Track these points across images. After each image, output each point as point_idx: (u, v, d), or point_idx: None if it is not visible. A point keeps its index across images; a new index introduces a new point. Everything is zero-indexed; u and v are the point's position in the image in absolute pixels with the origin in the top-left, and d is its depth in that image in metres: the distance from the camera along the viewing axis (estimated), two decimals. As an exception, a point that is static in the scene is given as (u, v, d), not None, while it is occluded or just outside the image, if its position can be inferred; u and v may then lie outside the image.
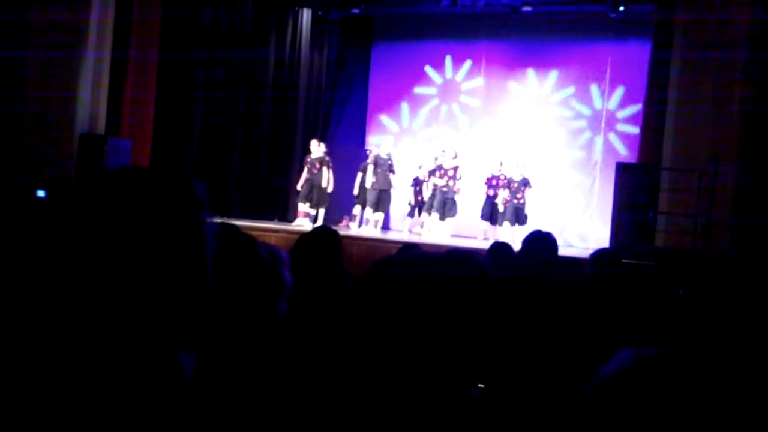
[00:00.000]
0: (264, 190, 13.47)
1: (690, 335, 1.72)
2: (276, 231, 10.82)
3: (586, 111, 13.28)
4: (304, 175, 12.09)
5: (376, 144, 12.93)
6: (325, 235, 3.34)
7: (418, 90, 14.44)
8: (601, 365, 1.03)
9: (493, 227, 12.04)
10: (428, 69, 14.34)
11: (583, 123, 13.30)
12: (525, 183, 11.76)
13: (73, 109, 10.33)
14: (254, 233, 1.62)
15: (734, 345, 1.60)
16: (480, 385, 1.71)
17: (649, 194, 9.39)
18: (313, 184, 11.97)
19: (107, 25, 10.75)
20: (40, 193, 9.41)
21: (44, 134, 10.06)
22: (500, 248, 4.38)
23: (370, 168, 11.97)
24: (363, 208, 12.12)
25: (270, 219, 12.97)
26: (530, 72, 13.60)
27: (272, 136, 13.64)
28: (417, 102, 14.49)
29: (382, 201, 11.98)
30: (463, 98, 14.16)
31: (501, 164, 12.20)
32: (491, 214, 12.01)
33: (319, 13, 13.92)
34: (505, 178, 11.93)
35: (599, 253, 4.09)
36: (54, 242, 0.77)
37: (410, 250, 3.53)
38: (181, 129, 12.67)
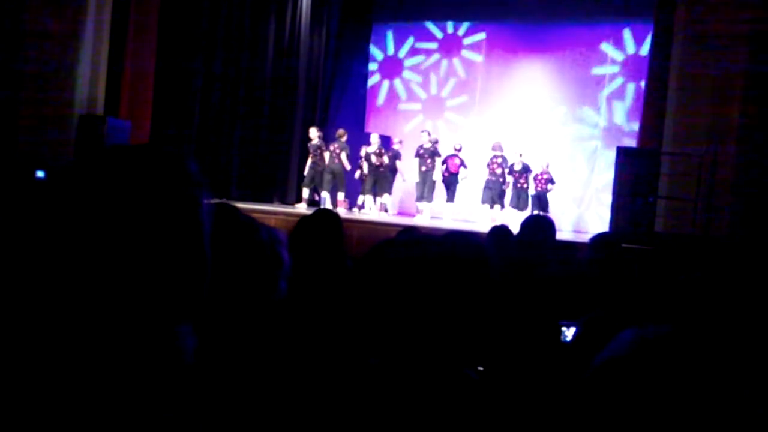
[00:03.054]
0: (264, 172, 13.45)
1: (691, 320, 1.71)
2: (275, 213, 10.82)
3: (587, 100, 13.26)
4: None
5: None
6: (326, 217, 3.34)
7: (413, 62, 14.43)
8: (601, 347, 1.03)
9: (496, 210, 12.17)
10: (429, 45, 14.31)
11: (583, 108, 13.28)
12: (526, 169, 12.16)
13: (72, 90, 10.28)
14: (254, 215, 1.61)
15: (735, 329, 1.59)
16: (479, 368, 1.71)
17: (649, 179, 9.37)
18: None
19: (106, 5, 10.68)
20: (40, 174, 9.39)
21: (43, 115, 10.02)
22: (500, 231, 4.38)
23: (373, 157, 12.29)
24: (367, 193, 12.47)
25: (270, 201, 12.96)
26: (532, 55, 13.56)
27: (272, 118, 13.60)
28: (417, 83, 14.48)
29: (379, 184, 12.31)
30: (462, 81, 14.13)
31: (521, 155, 12.27)
32: (492, 198, 12.23)
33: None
34: (503, 161, 12.21)
35: (599, 237, 4.09)
36: (51, 220, 0.77)
37: (410, 232, 3.53)
38: (181, 110, 12.62)
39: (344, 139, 12.31)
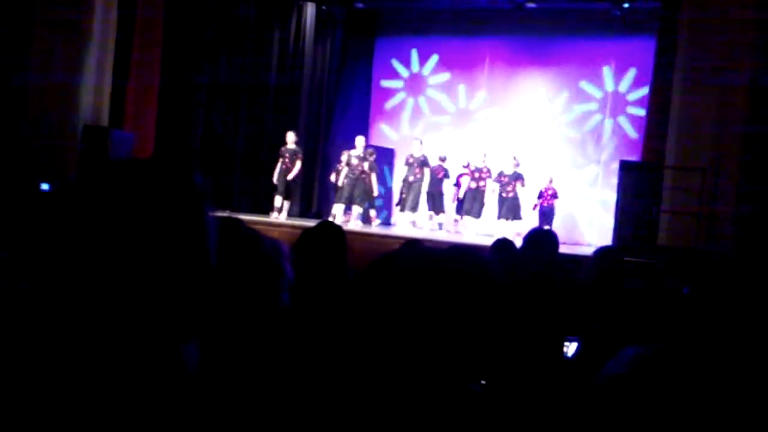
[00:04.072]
0: (267, 184, 13.45)
1: (693, 334, 1.71)
2: (279, 225, 10.83)
3: (591, 106, 13.28)
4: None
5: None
6: (330, 230, 3.34)
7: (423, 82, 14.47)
8: (604, 363, 1.02)
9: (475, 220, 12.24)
10: (436, 62, 14.38)
11: (587, 120, 13.30)
12: (517, 177, 11.96)
13: (76, 101, 10.32)
14: (257, 227, 1.62)
15: (737, 344, 1.59)
16: (482, 381, 1.71)
17: (652, 193, 9.38)
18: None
19: (111, 17, 10.74)
20: (44, 186, 9.40)
21: (47, 126, 10.05)
22: (503, 244, 4.38)
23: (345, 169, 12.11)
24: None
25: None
26: (533, 69, 13.59)
27: (275, 131, 13.62)
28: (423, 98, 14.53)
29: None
30: (468, 94, 14.16)
31: (485, 156, 12.44)
32: (471, 208, 12.27)
33: (323, 7, 13.91)
34: (488, 170, 12.25)
35: (602, 251, 4.09)
36: (59, 233, 0.77)
37: (413, 245, 3.53)
38: (184, 122, 12.66)
39: (374, 158, 12.30)
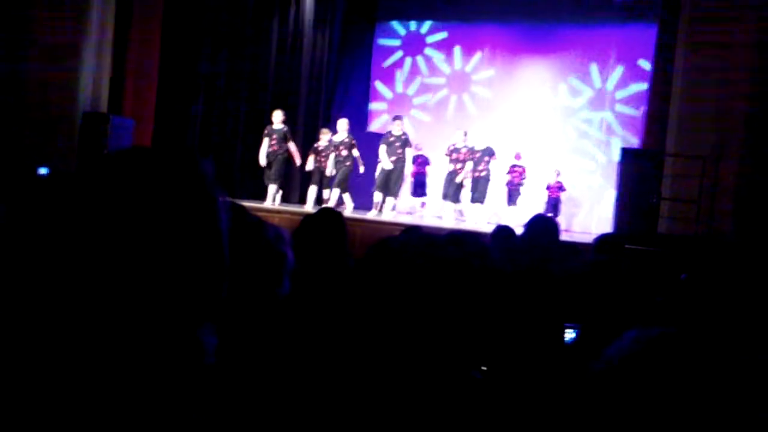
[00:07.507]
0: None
1: (691, 320, 1.72)
2: (279, 212, 10.83)
3: (590, 93, 13.25)
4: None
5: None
6: (330, 216, 3.35)
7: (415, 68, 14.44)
8: (604, 347, 1.03)
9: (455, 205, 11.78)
10: (432, 52, 14.33)
11: (586, 108, 13.28)
12: (489, 153, 11.36)
13: (75, 87, 10.29)
14: (258, 214, 1.62)
15: (735, 330, 1.60)
16: (483, 368, 1.72)
17: (653, 180, 9.37)
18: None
19: (110, 3, 10.69)
20: (42, 171, 9.40)
21: (47, 112, 10.03)
22: (503, 231, 4.38)
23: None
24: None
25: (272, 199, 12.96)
26: (534, 56, 13.55)
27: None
28: (420, 86, 14.49)
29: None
30: (468, 84, 14.13)
31: (465, 134, 11.67)
32: (452, 192, 11.55)
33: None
34: (468, 150, 11.47)
35: (602, 238, 4.10)
36: (72, 226, 0.76)
37: (413, 231, 3.53)
38: (184, 108, 12.63)
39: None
